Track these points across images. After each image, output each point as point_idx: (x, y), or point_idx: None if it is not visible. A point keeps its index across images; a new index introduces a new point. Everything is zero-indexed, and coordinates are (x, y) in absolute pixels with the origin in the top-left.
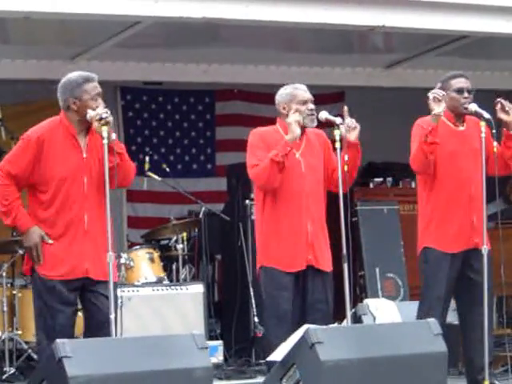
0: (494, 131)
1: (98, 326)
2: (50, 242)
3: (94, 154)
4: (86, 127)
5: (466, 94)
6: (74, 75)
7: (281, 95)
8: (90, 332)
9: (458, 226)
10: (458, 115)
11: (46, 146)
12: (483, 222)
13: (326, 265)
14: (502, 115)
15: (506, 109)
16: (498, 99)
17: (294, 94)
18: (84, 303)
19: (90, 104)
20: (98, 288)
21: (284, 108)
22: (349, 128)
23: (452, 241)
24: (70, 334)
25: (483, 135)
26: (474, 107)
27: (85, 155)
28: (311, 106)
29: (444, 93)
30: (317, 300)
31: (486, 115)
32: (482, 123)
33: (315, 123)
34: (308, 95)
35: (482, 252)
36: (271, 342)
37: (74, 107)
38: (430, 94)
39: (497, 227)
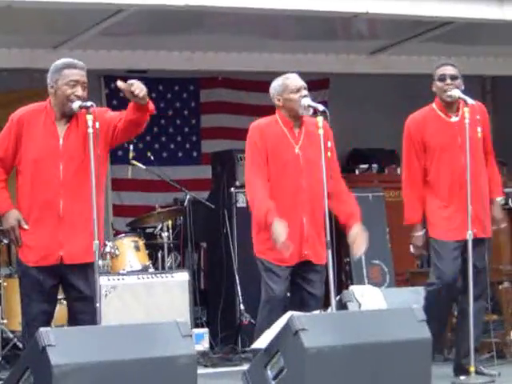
0: (478, 117)
1: (77, 315)
2: (26, 227)
3: (73, 142)
4: (68, 114)
5: (448, 81)
6: (58, 61)
7: (274, 87)
8: (72, 321)
9: (458, 216)
10: (449, 104)
11: (25, 128)
12: (485, 210)
13: (322, 258)
14: None
15: None
16: None
17: (285, 84)
18: (64, 292)
19: (64, 89)
20: (74, 277)
21: (278, 100)
22: None
23: (454, 230)
24: (47, 322)
25: (467, 121)
26: (456, 93)
27: (61, 142)
28: (304, 92)
29: None
30: (311, 295)
31: (470, 101)
32: (466, 109)
33: (311, 111)
34: (299, 83)
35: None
36: (262, 331)
37: (51, 91)
38: None
39: None
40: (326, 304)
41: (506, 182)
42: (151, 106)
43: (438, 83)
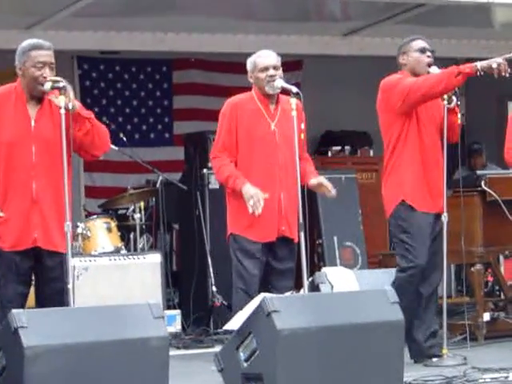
0: (459, 102)
1: (50, 296)
2: (1, 214)
3: (46, 123)
4: (38, 95)
5: (428, 53)
6: (25, 42)
7: (247, 64)
8: (42, 303)
9: (429, 189)
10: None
11: None
12: (443, 188)
13: (295, 234)
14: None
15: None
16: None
17: (255, 62)
18: (36, 274)
19: (32, 71)
20: (48, 258)
21: (251, 77)
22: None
23: (427, 202)
24: (22, 304)
25: (446, 103)
26: (434, 70)
27: (33, 124)
28: (271, 72)
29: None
30: (286, 269)
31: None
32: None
33: (277, 90)
34: (268, 61)
35: (441, 219)
36: (238, 308)
37: (19, 72)
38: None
39: (454, 195)
40: (298, 286)
41: (483, 164)
42: (84, 112)
43: (418, 54)
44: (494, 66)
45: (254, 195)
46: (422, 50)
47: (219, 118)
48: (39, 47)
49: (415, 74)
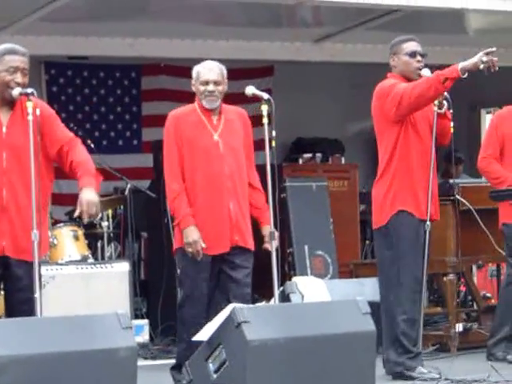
0: (451, 110)
1: (17, 306)
2: None
3: (17, 130)
4: (9, 100)
5: (419, 58)
6: (0, 46)
7: (193, 72)
8: (10, 312)
9: (423, 195)
10: (410, 81)
11: None
12: (429, 195)
13: (251, 244)
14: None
15: None
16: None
17: (198, 72)
18: (4, 283)
19: (3, 75)
20: (16, 267)
21: (193, 85)
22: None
23: (422, 209)
24: None
25: (436, 108)
26: (427, 73)
27: (5, 130)
28: (210, 87)
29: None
30: (243, 276)
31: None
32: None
33: (215, 105)
34: (209, 76)
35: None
36: (184, 322)
37: None
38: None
39: None
40: (268, 295)
41: (457, 173)
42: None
43: (408, 58)
44: (481, 66)
45: (192, 245)
46: (412, 54)
47: (164, 132)
48: (13, 52)
49: (406, 78)
